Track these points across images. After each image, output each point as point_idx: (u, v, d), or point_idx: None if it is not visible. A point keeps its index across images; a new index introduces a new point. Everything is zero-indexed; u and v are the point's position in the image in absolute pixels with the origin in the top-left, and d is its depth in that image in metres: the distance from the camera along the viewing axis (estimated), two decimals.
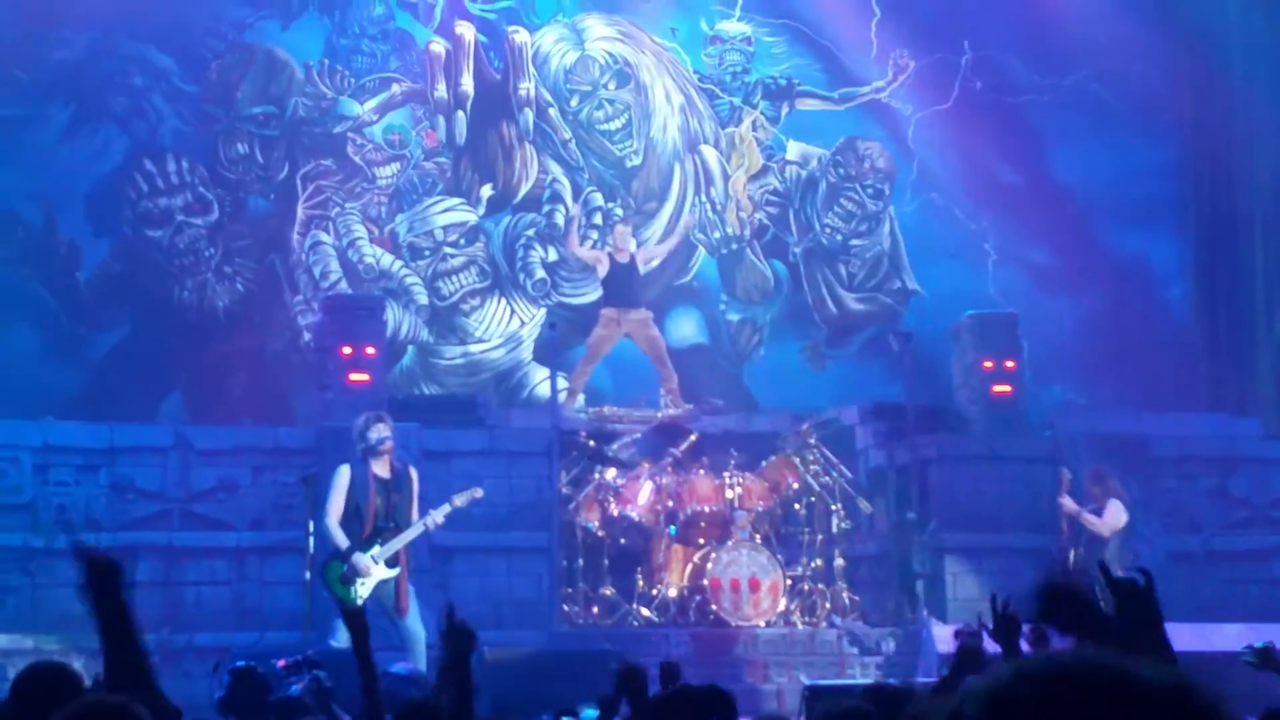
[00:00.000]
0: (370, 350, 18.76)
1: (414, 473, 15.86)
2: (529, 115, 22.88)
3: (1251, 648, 7.67)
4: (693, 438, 18.68)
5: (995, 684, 1.97)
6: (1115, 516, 16.72)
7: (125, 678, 4.93)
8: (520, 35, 23.00)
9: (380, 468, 15.56)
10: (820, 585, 17.99)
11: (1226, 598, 17.70)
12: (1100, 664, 1.94)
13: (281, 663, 11.37)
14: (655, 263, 21.94)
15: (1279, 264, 22.87)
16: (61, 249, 21.30)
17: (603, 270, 20.45)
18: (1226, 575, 18.26)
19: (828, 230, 23.27)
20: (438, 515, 15.51)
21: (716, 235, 23.14)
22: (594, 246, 22.22)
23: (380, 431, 15.59)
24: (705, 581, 17.36)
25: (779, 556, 17.67)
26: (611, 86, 23.23)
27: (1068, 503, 16.89)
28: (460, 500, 15.68)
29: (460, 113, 22.69)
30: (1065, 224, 22.91)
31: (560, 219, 22.72)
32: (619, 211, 22.68)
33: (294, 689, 10.42)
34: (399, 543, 15.41)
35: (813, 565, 18.12)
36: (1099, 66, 22.92)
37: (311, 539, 15.64)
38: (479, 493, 15.92)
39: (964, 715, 1.96)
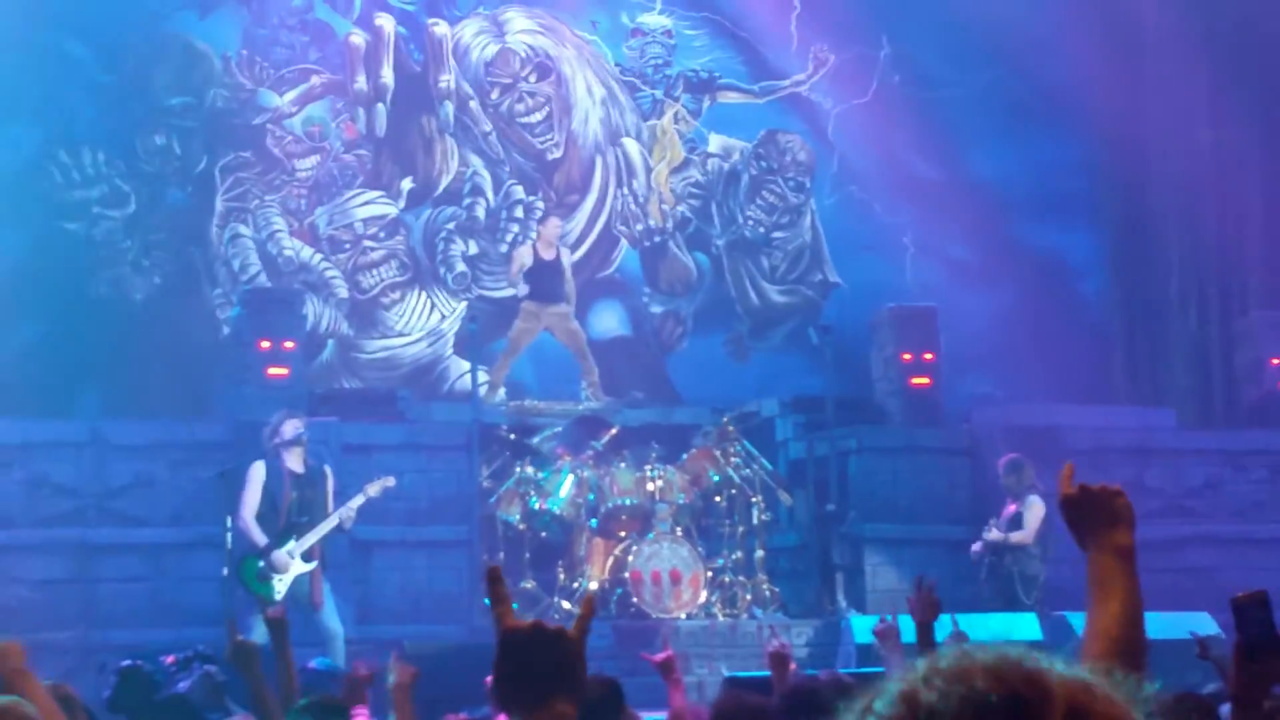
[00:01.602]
0: (289, 344, 18.69)
1: (328, 470, 15.87)
2: (449, 108, 22.81)
3: (1194, 635, 7.75)
4: (614, 430, 18.70)
5: (906, 681, 1.98)
6: (1036, 515, 16.80)
7: None
8: (440, 27, 22.94)
9: (294, 463, 15.57)
10: (741, 577, 18.03)
11: (1142, 587, 17.78)
12: (1012, 661, 1.95)
13: (170, 659, 11.31)
14: (579, 255, 21.98)
15: (1193, 258, 23.07)
16: None
17: (527, 264, 20.40)
18: (1141, 565, 18.35)
19: (750, 223, 23.31)
20: (352, 506, 15.52)
21: (639, 228, 23.14)
22: (515, 239, 22.21)
23: (295, 426, 15.60)
24: (626, 574, 17.38)
25: (700, 549, 17.72)
26: (532, 79, 23.19)
27: (994, 535, 16.96)
28: (373, 489, 15.68)
29: (380, 105, 22.60)
30: (982, 218, 23.03)
31: (481, 212, 22.66)
32: (540, 205, 22.64)
33: (181, 686, 10.36)
34: (314, 536, 15.41)
35: (733, 557, 18.16)
36: (1015, 63, 23.01)
37: (229, 534, 15.58)
38: (391, 481, 15.93)
39: (874, 712, 1.97)
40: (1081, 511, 3.58)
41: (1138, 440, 19.40)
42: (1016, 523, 16.97)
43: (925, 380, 19.73)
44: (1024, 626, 15.58)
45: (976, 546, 17.07)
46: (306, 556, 15.37)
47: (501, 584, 2.71)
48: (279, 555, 15.24)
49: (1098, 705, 1.94)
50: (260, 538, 15.28)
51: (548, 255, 20.37)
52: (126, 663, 10.69)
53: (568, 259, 21.05)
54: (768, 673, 13.58)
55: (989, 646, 2.01)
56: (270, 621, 8.05)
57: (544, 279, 20.37)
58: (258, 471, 15.48)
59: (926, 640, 7.19)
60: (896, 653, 7.80)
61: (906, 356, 19.73)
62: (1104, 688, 1.96)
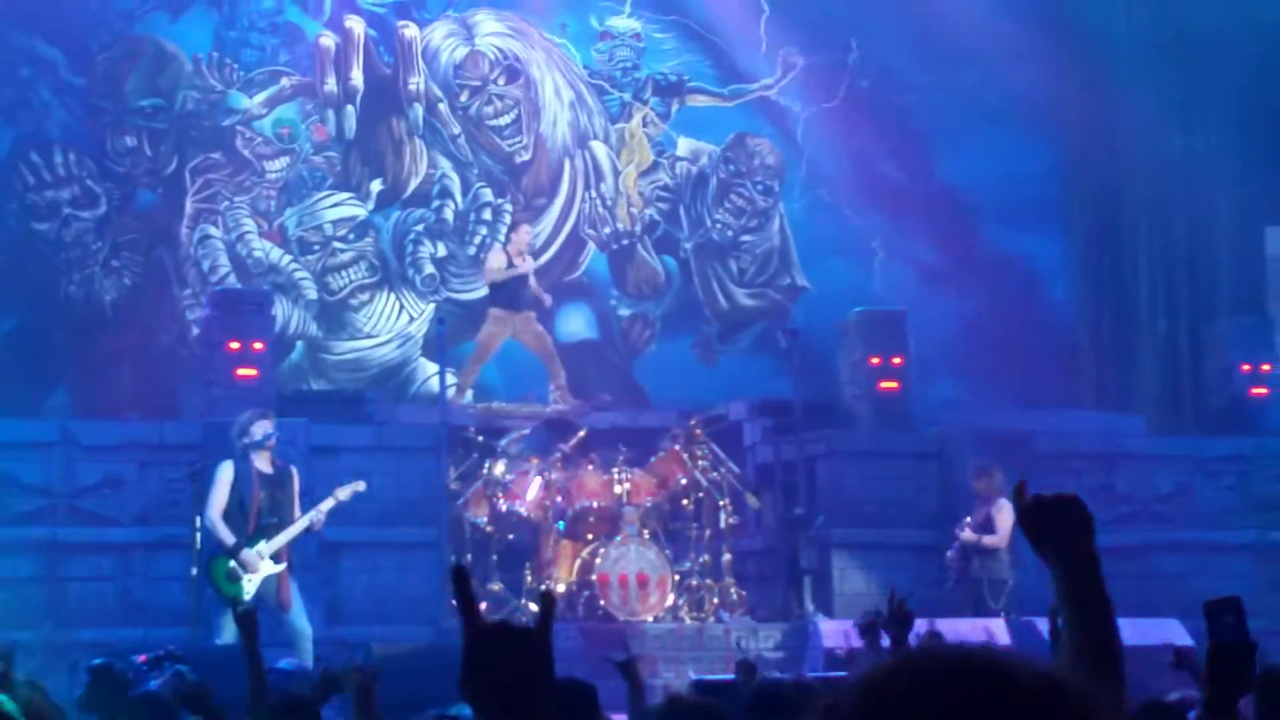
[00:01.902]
0: (258, 345, 18.68)
1: (295, 471, 15.89)
2: (419, 110, 22.81)
3: (1171, 646, 7.80)
4: (581, 433, 18.69)
5: (872, 676, 2.00)
6: (1006, 520, 16.86)
7: None
8: (410, 30, 22.92)
9: (262, 463, 15.57)
10: (708, 581, 18.03)
11: (1110, 593, 17.83)
12: (976, 657, 1.98)
13: (142, 658, 11.31)
14: (546, 258, 21.99)
15: (1163, 264, 23.15)
16: None
17: (505, 273, 20.30)
18: (1109, 570, 18.40)
19: (718, 226, 23.33)
20: (323, 509, 15.53)
21: (607, 231, 23.16)
22: (483, 241, 22.21)
23: (264, 427, 15.59)
24: (594, 577, 17.39)
25: (667, 552, 17.73)
26: (501, 82, 23.19)
27: (967, 535, 17.02)
28: (344, 493, 15.69)
29: (350, 107, 22.59)
30: (951, 223, 23.08)
31: (450, 214, 22.65)
32: (508, 208, 22.65)
33: (153, 684, 10.37)
34: (284, 538, 15.41)
35: (701, 561, 18.16)
36: (985, 68, 23.06)
37: (198, 535, 15.58)
38: (361, 486, 15.93)
39: (842, 708, 2.00)
40: (1040, 522, 3.60)
41: (1106, 446, 19.44)
42: (988, 527, 17.03)
43: (893, 384, 19.76)
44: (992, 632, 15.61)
45: (951, 554, 17.12)
46: (275, 558, 15.37)
47: (468, 585, 2.74)
48: (248, 555, 15.23)
49: (1061, 695, 1.97)
50: (229, 537, 15.27)
51: (520, 264, 20.33)
52: (98, 662, 10.70)
53: (534, 265, 20.98)
54: (733, 677, 13.59)
55: (954, 643, 2.04)
56: (240, 619, 8.05)
57: (509, 287, 20.35)
58: (226, 471, 15.47)
59: (902, 644, 7.23)
60: (874, 649, 7.84)
61: (875, 360, 19.74)
62: (1069, 680, 1.99)
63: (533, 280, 20.47)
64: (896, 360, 19.82)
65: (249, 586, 15.17)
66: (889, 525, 18.49)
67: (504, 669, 2.60)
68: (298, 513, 15.58)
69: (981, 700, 1.94)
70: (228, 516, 15.34)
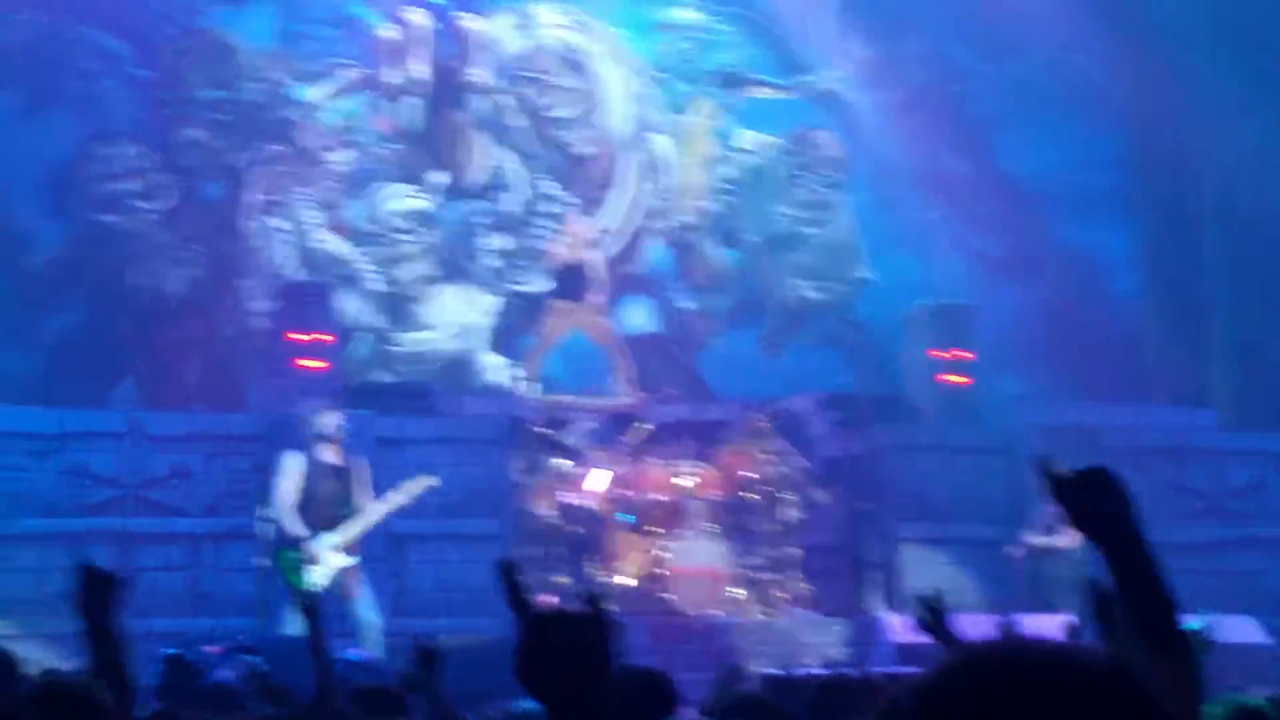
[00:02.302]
0: (323, 337, 18.72)
1: (363, 462, 15.89)
2: (481, 102, 22.81)
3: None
4: (647, 426, 18.68)
5: (929, 677, 1.97)
6: None
7: (109, 672, 5.09)
8: (472, 22, 22.93)
9: (330, 455, 15.59)
10: (775, 575, 18.01)
11: (1180, 590, 17.72)
12: (1034, 651, 1.95)
13: (213, 649, 11.38)
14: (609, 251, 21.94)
15: (1230, 255, 22.96)
16: (14, 234, 21.17)
17: (563, 261, 20.35)
18: (1180, 566, 18.28)
19: (782, 219, 23.27)
20: (397, 499, 15.54)
21: (669, 224, 23.12)
22: (545, 234, 22.20)
23: (331, 419, 15.61)
24: (659, 570, 17.38)
25: (733, 545, 17.70)
26: (564, 74, 23.17)
27: (1037, 540, 16.94)
28: (415, 487, 15.70)
29: (413, 99, 22.60)
30: (1015, 214, 22.98)
31: (512, 207, 22.65)
32: (571, 200, 22.64)
33: (223, 674, 10.42)
34: (354, 529, 15.44)
35: (767, 555, 18.13)
36: (1047, 57, 22.95)
37: (266, 526, 15.61)
38: (434, 481, 15.95)
39: (900, 709, 1.97)
40: (1074, 497, 3.55)
41: (1177, 440, 19.30)
42: (1057, 527, 16.94)
43: (959, 378, 19.69)
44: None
45: (1015, 551, 17.03)
46: (344, 550, 15.40)
47: (514, 577, 2.73)
48: (316, 547, 15.26)
49: (1124, 685, 1.93)
50: (296, 527, 15.30)
51: (581, 254, 20.34)
52: (171, 651, 10.75)
53: (598, 257, 21.00)
54: (803, 670, 13.55)
55: (1021, 638, 2.01)
56: (306, 610, 8.04)
57: (572, 278, 20.36)
58: (294, 463, 15.51)
59: (949, 642, 7.12)
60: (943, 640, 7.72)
61: (940, 354, 19.68)
62: (1132, 670, 1.95)
63: (597, 265, 20.44)
64: (962, 353, 19.74)
65: (317, 578, 15.20)
66: (955, 520, 18.41)
67: (559, 655, 2.60)
68: (366, 505, 15.60)
69: (1042, 694, 1.91)
70: (296, 508, 15.37)
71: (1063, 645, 1.96)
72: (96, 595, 5.20)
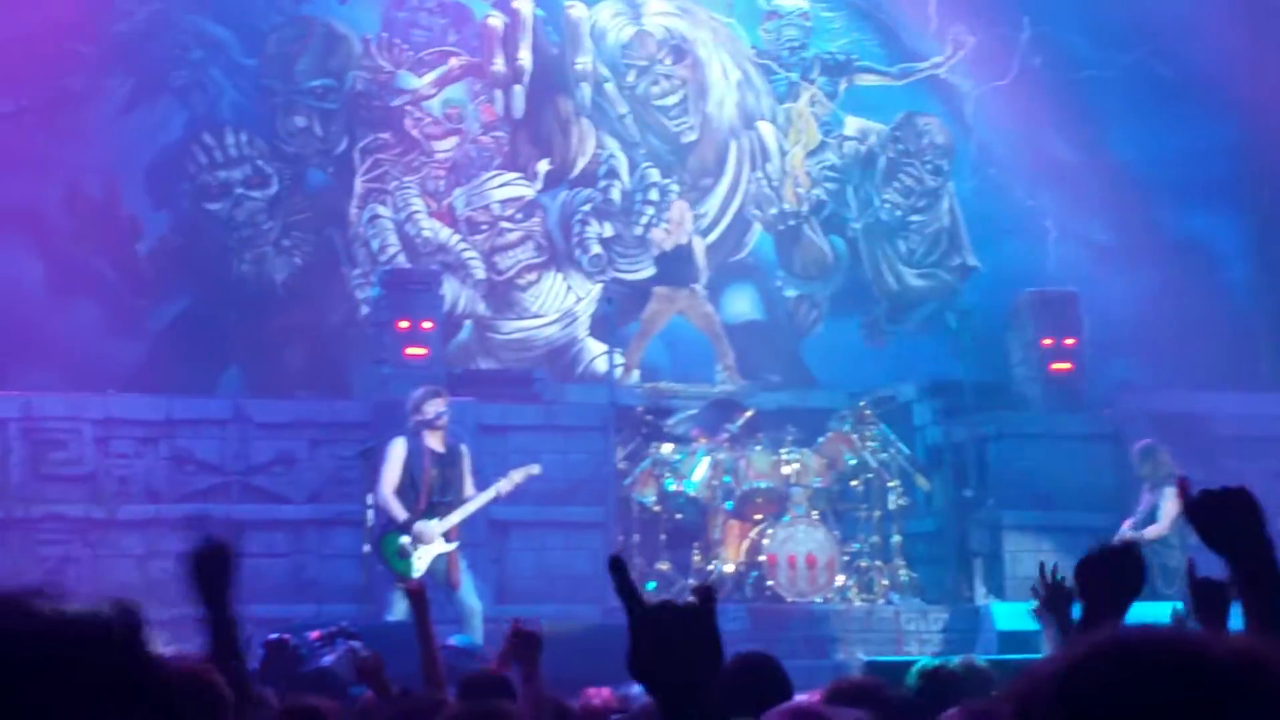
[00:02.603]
0: (427, 324, 18.80)
1: (466, 449, 15.94)
2: (586, 90, 22.83)
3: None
4: (749, 413, 18.66)
5: (1069, 661, 1.95)
6: (1173, 506, 16.59)
7: (224, 656, 5.17)
8: (577, 9, 22.95)
9: (435, 442, 15.63)
10: (878, 562, 17.96)
11: None
12: (1174, 638, 1.92)
13: (315, 634, 11.43)
14: (712, 238, 21.88)
15: None
16: (122, 222, 21.36)
17: (666, 247, 20.42)
18: None
19: (887, 206, 23.16)
20: (500, 489, 15.58)
21: (773, 211, 23.06)
22: (650, 221, 22.22)
23: (436, 406, 15.65)
24: (762, 557, 17.37)
25: (835, 533, 17.67)
26: (668, 62, 23.16)
27: (1131, 535, 16.79)
28: (519, 476, 15.74)
29: (518, 87, 22.65)
30: (1125, 201, 22.76)
31: (616, 194, 22.67)
32: (675, 188, 22.62)
33: (326, 660, 10.48)
34: (458, 516, 15.49)
35: (870, 542, 18.09)
36: (1159, 43, 22.75)
37: (369, 512, 15.69)
38: (536, 469, 15.98)
39: (1039, 693, 1.94)
40: (1208, 516, 3.50)
41: None
42: (1153, 515, 16.78)
43: (1066, 365, 19.55)
44: (1156, 614, 15.38)
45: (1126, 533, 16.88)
46: (445, 537, 15.45)
47: (625, 572, 2.77)
48: (420, 531, 15.32)
49: (1262, 670, 1.91)
50: (401, 513, 15.36)
51: (680, 239, 20.36)
52: (273, 637, 10.81)
53: (700, 244, 21.01)
54: (906, 658, 13.49)
55: (1144, 626, 1.98)
56: (410, 595, 8.05)
57: (675, 264, 20.36)
58: (398, 449, 15.57)
59: (1065, 621, 7.01)
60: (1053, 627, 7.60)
61: (1047, 341, 19.55)
62: (1270, 654, 1.92)
63: (700, 251, 20.44)
64: (1069, 341, 19.62)
65: (419, 564, 15.26)
66: (1061, 508, 18.27)
67: (671, 647, 2.63)
68: (469, 492, 15.65)
69: (1182, 680, 1.88)
70: (399, 494, 15.44)
71: (1203, 633, 1.94)
72: (212, 570, 5.26)
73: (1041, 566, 6.65)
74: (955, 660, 8.46)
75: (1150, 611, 15.08)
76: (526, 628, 7.35)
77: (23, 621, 1.86)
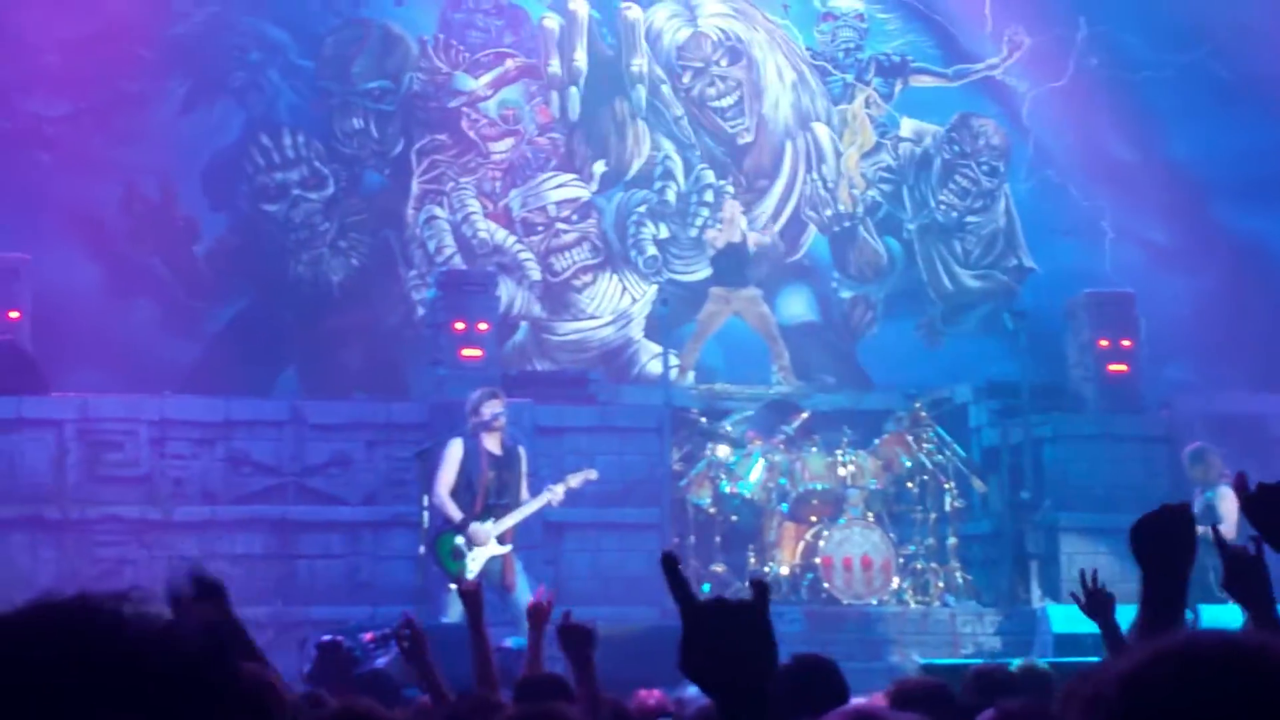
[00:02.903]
0: (483, 325, 18.80)
1: (523, 451, 15.92)
2: (641, 91, 22.86)
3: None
4: (804, 415, 18.63)
5: (1134, 665, 1.94)
6: (1231, 507, 16.50)
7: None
8: (633, 11, 22.98)
9: (492, 444, 15.60)
10: (933, 564, 17.91)
11: None
12: (1239, 643, 1.92)
13: (369, 636, 11.46)
14: (766, 239, 21.83)
15: None
16: (179, 223, 21.48)
17: (722, 242, 20.44)
18: None
19: (942, 207, 23.12)
20: (556, 493, 15.56)
21: (828, 213, 23.04)
22: (705, 223, 22.22)
23: (494, 407, 15.63)
24: (817, 559, 17.34)
25: (891, 535, 17.62)
26: (724, 63, 23.17)
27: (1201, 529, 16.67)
28: (575, 481, 15.72)
29: (574, 88, 22.70)
30: (1183, 202, 22.66)
31: (672, 196, 22.69)
32: (730, 189, 22.62)
33: (380, 662, 10.50)
34: (514, 519, 15.47)
35: (926, 544, 18.04)
36: (1217, 43, 22.66)
37: (425, 513, 15.70)
38: (593, 474, 15.95)
39: (1104, 696, 1.94)
40: (1267, 511, 3.50)
41: None
42: (1208, 516, 16.67)
43: (1122, 367, 19.46)
44: (1228, 618, 15.30)
45: None
46: (500, 539, 15.45)
47: (678, 569, 2.75)
48: (475, 532, 15.33)
49: None
50: (456, 514, 15.37)
51: (732, 237, 20.36)
52: (326, 638, 10.84)
53: (757, 244, 21.00)
54: (962, 660, 13.45)
55: (1211, 630, 1.97)
56: (465, 596, 8.03)
57: (730, 263, 20.36)
58: (455, 449, 15.56)
59: (1114, 638, 6.97)
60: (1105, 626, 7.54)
61: (1103, 343, 19.47)
62: None
63: (756, 252, 20.39)
64: (1125, 342, 19.53)
65: (473, 565, 15.26)
66: (1117, 510, 18.12)
67: (724, 644, 2.61)
68: (525, 495, 15.65)
69: (1248, 687, 1.87)
70: (455, 495, 15.43)
71: (1264, 634, 1.94)
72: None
73: (1082, 574, 6.65)
74: (1016, 663, 8.44)
75: (1222, 614, 15.03)
76: (575, 622, 7.30)
77: (111, 630, 1.86)
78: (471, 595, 7.96)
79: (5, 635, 1.84)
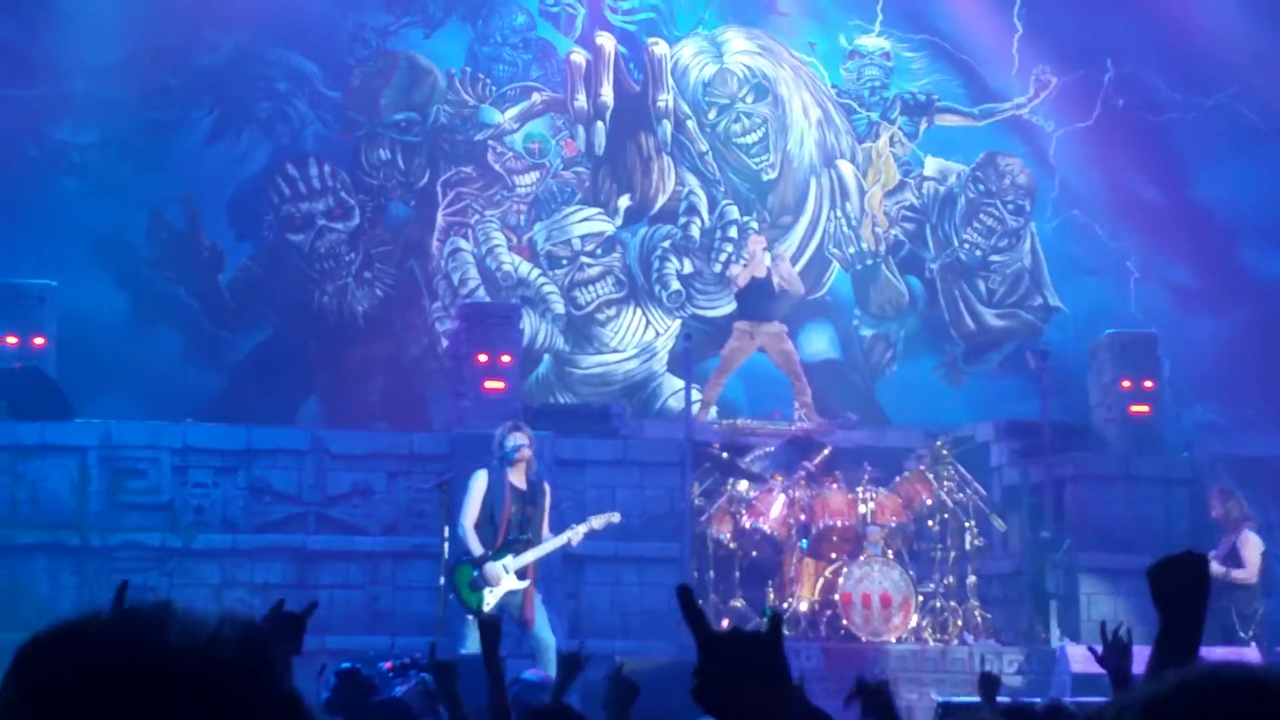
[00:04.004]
0: (506, 358, 18.80)
1: (547, 487, 15.85)
2: (667, 127, 22.91)
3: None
4: (826, 451, 18.62)
5: (1155, 694, 1.94)
6: (1254, 551, 16.47)
7: None
8: (660, 47, 23.04)
9: (516, 478, 15.54)
10: (952, 603, 17.87)
11: None
12: (1262, 675, 1.92)
13: (388, 665, 11.44)
14: (794, 283, 21.70)
15: None
16: (204, 252, 21.54)
17: (743, 283, 20.39)
18: None
19: (966, 246, 23.12)
20: (578, 533, 15.50)
21: (851, 250, 23.05)
22: (729, 259, 22.24)
23: (518, 440, 15.59)
24: (836, 596, 17.30)
25: (911, 573, 17.58)
26: (749, 100, 23.22)
27: (1215, 568, 16.66)
28: (598, 523, 15.64)
29: (599, 123, 22.75)
30: (1208, 244, 22.66)
31: (696, 231, 22.72)
32: (754, 225, 22.65)
33: (398, 690, 10.48)
34: (533, 555, 15.39)
35: (945, 582, 18.00)
36: (1243, 86, 22.67)
37: (446, 544, 15.68)
38: (616, 518, 15.88)
39: None
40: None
41: None
42: (1234, 558, 16.64)
43: (1145, 408, 19.42)
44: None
45: (1214, 568, 16.75)
46: (520, 574, 15.39)
47: (692, 601, 2.75)
48: (493, 568, 15.28)
49: None
50: (477, 548, 15.34)
51: (757, 273, 20.35)
52: (345, 666, 10.82)
53: (783, 277, 20.96)
54: (980, 699, 13.40)
55: (1233, 663, 1.98)
56: (483, 628, 8.03)
57: (755, 297, 20.34)
58: (480, 481, 15.51)
59: (1123, 677, 6.97)
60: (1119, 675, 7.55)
61: (1126, 383, 19.44)
62: None
63: (780, 287, 20.33)
64: (1148, 383, 19.50)
65: (490, 598, 15.22)
66: (1138, 551, 18.08)
67: (738, 675, 2.59)
68: (547, 528, 15.60)
69: (1266, 713, 1.88)
70: (477, 527, 15.39)
71: None
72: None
73: (1103, 626, 6.64)
74: (1040, 702, 8.41)
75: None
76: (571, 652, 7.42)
77: (154, 640, 1.89)
78: (489, 629, 7.97)
79: (52, 644, 1.88)
